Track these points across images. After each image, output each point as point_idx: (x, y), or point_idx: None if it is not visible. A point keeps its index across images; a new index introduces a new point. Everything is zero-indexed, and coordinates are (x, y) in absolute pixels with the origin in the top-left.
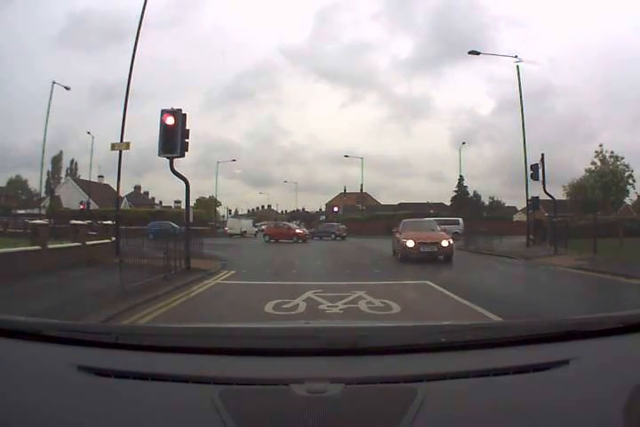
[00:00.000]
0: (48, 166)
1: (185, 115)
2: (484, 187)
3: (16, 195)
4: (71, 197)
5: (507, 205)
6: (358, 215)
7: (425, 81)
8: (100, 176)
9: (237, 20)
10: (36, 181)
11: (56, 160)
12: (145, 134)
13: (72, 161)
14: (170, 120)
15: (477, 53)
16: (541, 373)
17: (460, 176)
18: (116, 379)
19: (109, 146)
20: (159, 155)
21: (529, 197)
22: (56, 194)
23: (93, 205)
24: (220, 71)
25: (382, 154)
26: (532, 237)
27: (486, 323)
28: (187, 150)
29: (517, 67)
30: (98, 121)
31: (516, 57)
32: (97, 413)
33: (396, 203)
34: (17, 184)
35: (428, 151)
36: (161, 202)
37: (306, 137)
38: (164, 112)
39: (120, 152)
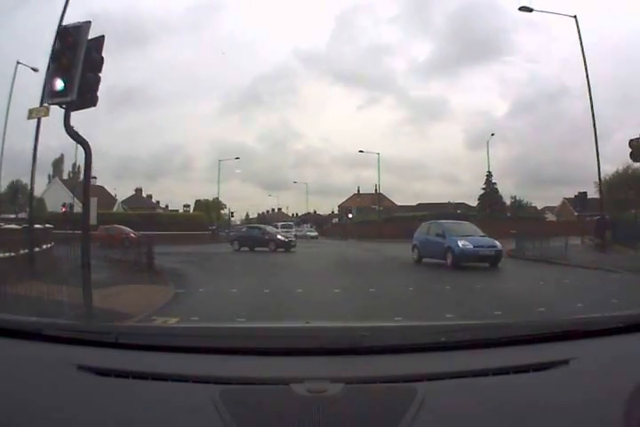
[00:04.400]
0: (49, 170)
1: (101, 39)
2: (498, 188)
3: (15, 199)
4: (58, 200)
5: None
6: (374, 217)
7: (441, 83)
8: (92, 177)
9: (253, 25)
10: (40, 185)
11: (57, 164)
12: (160, 140)
13: (74, 164)
14: (66, 40)
15: (530, 10)
16: (541, 373)
17: (488, 172)
18: (116, 379)
19: (118, 149)
20: (45, 101)
21: (577, 193)
22: (40, 196)
23: (81, 208)
24: (235, 75)
25: (395, 156)
26: (590, 238)
27: (486, 323)
28: (95, 91)
29: (576, 20)
30: (108, 126)
31: (574, 17)
32: (97, 412)
33: (410, 205)
34: (16, 189)
35: (442, 153)
36: (167, 206)
37: (319, 140)
38: (59, 31)
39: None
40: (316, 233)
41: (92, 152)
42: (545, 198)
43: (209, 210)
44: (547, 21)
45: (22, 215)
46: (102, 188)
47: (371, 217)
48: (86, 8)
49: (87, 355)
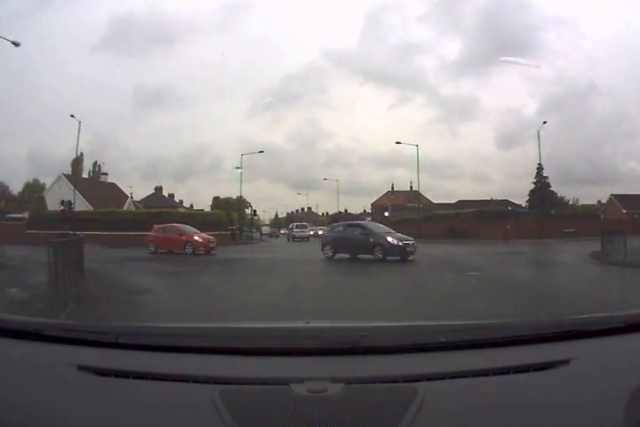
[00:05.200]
0: (68, 169)
1: None
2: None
3: (31, 199)
4: (63, 198)
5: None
6: (411, 215)
7: (471, 81)
8: (103, 174)
9: (282, 24)
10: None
11: (76, 163)
12: (188, 141)
13: (95, 163)
14: None
15: None
16: (541, 373)
17: (539, 165)
18: (116, 379)
19: (147, 150)
20: None
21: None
22: (41, 194)
23: (87, 206)
24: (265, 75)
25: (426, 154)
26: None
27: (486, 323)
28: None
29: None
30: (137, 127)
31: None
32: (97, 412)
33: (449, 202)
34: (35, 188)
35: (473, 151)
36: (192, 205)
37: (349, 139)
38: None
39: None
40: None
41: (127, 157)
42: (578, 197)
43: (229, 208)
44: (576, 18)
45: (21, 215)
46: (114, 184)
47: (407, 215)
48: (114, 9)
49: (87, 355)
